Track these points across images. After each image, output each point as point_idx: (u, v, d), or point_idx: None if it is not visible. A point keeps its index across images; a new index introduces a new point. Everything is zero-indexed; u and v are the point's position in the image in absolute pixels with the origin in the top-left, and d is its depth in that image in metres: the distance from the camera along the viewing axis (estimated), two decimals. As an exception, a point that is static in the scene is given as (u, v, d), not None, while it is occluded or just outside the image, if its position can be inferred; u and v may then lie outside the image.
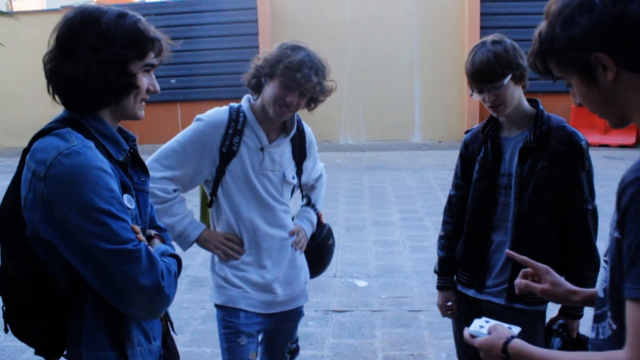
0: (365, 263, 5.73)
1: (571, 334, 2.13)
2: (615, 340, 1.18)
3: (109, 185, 1.46)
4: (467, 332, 1.58)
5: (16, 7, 15.01)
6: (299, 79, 2.23)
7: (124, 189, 1.56)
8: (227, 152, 2.34)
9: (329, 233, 2.77)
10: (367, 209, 7.81)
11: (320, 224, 2.73)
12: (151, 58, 1.59)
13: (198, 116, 2.39)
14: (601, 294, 1.27)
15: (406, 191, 8.74)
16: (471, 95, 2.34)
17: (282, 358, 2.64)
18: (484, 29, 11.74)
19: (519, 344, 1.38)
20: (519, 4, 12.75)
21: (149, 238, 1.73)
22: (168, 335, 1.83)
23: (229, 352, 2.45)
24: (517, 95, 2.28)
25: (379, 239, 6.48)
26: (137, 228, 1.52)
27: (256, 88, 2.37)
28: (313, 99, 2.38)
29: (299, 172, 2.53)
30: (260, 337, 2.58)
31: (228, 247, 2.41)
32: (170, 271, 1.57)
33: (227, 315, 2.44)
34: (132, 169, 1.68)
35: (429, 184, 9.07)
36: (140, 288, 1.47)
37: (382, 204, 8.00)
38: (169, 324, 1.84)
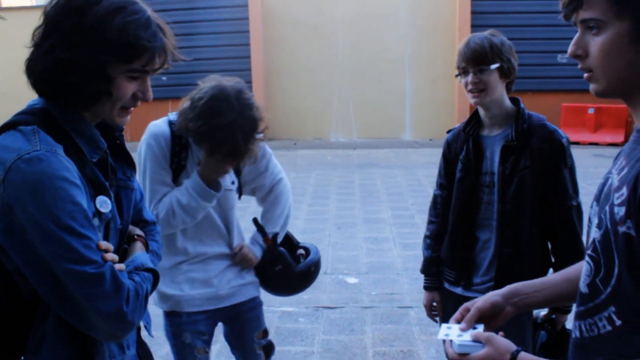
0: (355, 260, 5.75)
1: (556, 327, 2.15)
2: (620, 337, 1.09)
3: (73, 198, 1.29)
4: (452, 350, 1.32)
5: (5, 2, 14.88)
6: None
7: (99, 190, 1.42)
8: (177, 168, 2.35)
9: (278, 259, 2.55)
10: (357, 206, 7.82)
11: (270, 250, 2.54)
12: (138, 64, 1.39)
13: (142, 138, 2.37)
14: (585, 290, 1.17)
15: (397, 188, 8.76)
16: (457, 75, 2.35)
17: (254, 355, 2.60)
18: (475, 28, 11.77)
19: (528, 357, 1.20)
20: (509, 2, 12.82)
21: (131, 240, 1.61)
22: (138, 340, 1.69)
23: (176, 347, 2.46)
24: (500, 89, 2.29)
25: (369, 236, 6.49)
26: (104, 245, 1.35)
27: None
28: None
29: (238, 173, 2.50)
30: (225, 332, 2.62)
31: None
32: (139, 294, 1.41)
33: (171, 317, 2.45)
34: (117, 163, 1.54)
35: (419, 182, 9.10)
36: (99, 313, 1.32)
37: (372, 201, 8.02)
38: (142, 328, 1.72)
